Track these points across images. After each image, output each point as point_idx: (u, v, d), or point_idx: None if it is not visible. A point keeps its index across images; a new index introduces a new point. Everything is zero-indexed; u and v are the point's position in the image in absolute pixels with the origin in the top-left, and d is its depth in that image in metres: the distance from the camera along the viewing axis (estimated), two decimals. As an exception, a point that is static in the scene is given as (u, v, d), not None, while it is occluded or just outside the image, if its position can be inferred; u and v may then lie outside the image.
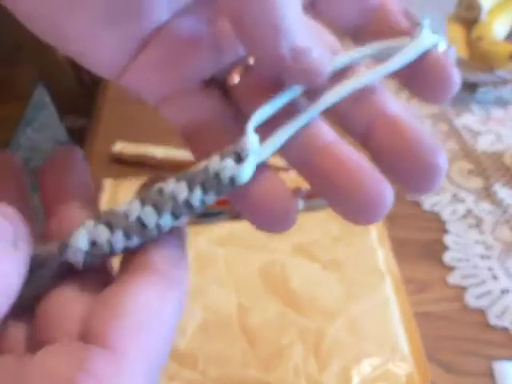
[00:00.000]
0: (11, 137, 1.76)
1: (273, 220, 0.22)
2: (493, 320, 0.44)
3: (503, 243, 0.49)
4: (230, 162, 0.18)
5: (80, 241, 0.18)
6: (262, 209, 0.21)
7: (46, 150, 1.71)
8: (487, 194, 0.53)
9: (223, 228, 0.49)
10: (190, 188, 0.18)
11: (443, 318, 0.44)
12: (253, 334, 0.42)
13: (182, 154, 0.55)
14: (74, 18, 0.18)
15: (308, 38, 0.18)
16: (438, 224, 0.51)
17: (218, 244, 0.48)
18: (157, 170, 0.55)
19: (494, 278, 0.46)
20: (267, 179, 0.20)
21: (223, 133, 0.20)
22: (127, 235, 0.18)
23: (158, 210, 0.18)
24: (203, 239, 0.48)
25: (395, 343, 0.41)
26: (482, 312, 0.44)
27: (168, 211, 0.18)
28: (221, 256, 0.47)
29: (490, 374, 0.41)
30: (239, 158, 0.18)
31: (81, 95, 0.89)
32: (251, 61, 0.21)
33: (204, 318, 0.42)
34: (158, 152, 0.55)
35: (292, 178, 0.54)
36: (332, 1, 0.21)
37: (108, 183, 0.53)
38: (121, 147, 0.56)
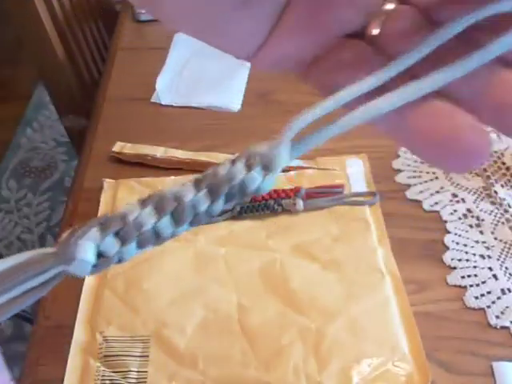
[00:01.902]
0: (11, 137, 1.77)
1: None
2: (493, 320, 0.44)
3: (503, 243, 0.49)
4: (257, 174, 0.17)
5: (88, 254, 0.16)
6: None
7: (46, 150, 1.71)
8: (487, 194, 0.53)
9: (223, 228, 0.49)
10: (212, 199, 0.17)
11: (443, 318, 0.44)
12: (253, 333, 0.42)
13: (182, 154, 0.55)
14: (209, 8, 0.18)
15: None
16: (438, 224, 0.51)
17: (218, 244, 0.48)
18: (157, 170, 0.55)
19: (494, 277, 0.46)
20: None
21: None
22: (140, 245, 0.17)
23: (176, 219, 0.17)
24: (203, 239, 0.48)
25: (395, 343, 0.41)
26: (481, 312, 0.44)
27: (187, 221, 0.17)
28: (221, 256, 0.47)
29: (490, 374, 0.41)
30: (267, 169, 0.17)
31: (81, 95, 0.89)
32: (387, 8, 0.18)
33: (204, 318, 0.43)
34: (158, 152, 0.55)
35: (292, 178, 0.54)
36: None
37: (108, 183, 0.53)
38: (121, 147, 0.56)
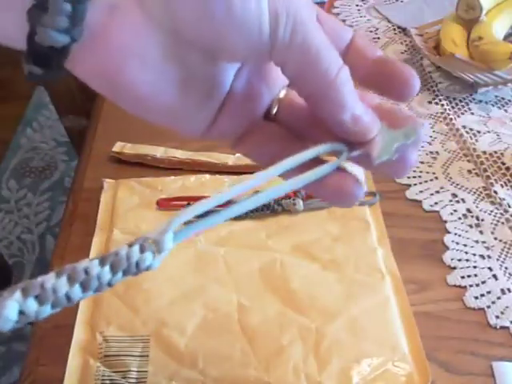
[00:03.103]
0: (11, 137, 1.77)
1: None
2: (493, 320, 0.44)
3: (503, 243, 0.49)
4: (148, 255, 0.23)
5: (11, 312, 0.19)
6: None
7: (46, 150, 1.71)
8: (487, 194, 0.53)
9: (223, 228, 0.49)
10: (113, 272, 0.21)
11: (443, 318, 0.44)
12: (253, 333, 0.42)
13: (182, 154, 0.55)
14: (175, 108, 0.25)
15: (361, 108, 0.24)
16: (438, 224, 0.51)
17: (218, 244, 0.48)
18: (157, 170, 0.55)
19: (494, 278, 0.46)
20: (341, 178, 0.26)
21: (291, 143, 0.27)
22: (53, 307, 0.20)
23: (84, 287, 0.21)
24: (203, 239, 0.48)
25: (395, 343, 0.41)
26: (481, 312, 0.44)
27: (93, 289, 0.21)
28: (221, 256, 0.47)
29: (490, 374, 0.41)
30: (156, 251, 0.24)
31: (81, 95, 0.89)
32: (281, 94, 0.27)
33: (204, 318, 0.43)
34: (158, 152, 0.55)
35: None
36: None
37: (108, 183, 0.53)
38: (121, 147, 0.56)
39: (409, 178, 0.55)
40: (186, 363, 0.40)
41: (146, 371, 0.40)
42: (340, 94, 0.23)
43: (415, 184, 0.54)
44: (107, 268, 0.21)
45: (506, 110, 0.63)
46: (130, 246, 0.22)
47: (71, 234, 0.50)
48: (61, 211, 1.45)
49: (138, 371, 0.40)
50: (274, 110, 0.27)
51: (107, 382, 0.39)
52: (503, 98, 0.64)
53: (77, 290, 0.21)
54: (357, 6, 0.82)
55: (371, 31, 0.77)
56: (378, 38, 0.75)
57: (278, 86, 0.27)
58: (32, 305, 0.20)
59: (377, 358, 0.40)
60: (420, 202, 0.53)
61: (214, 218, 0.26)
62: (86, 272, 0.21)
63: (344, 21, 0.79)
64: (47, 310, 0.20)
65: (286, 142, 0.27)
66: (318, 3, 0.81)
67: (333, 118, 0.24)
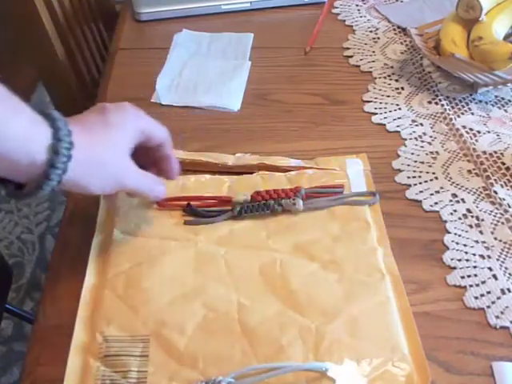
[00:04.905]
0: (11, 137, 1.76)
1: None
2: (492, 320, 0.44)
3: (503, 243, 0.49)
4: None
5: None
6: None
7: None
8: (487, 194, 0.53)
9: (223, 228, 0.49)
10: None
11: (443, 318, 0.44)
12: (253, 333, 0.42)
13: (182, 154, 0.55)
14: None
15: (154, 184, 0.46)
16: (438, 224, 0.51)
17: (218, 244, 0.48)
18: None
19: (494, 278, 0.46)
20: None
21: None
22: None
23: None
24: (203, 239, 0.48)
25: (395, 343, 0.41)
26: (481, 312, 0.44)
27: None
28: (221, 256, 0.47)
29: (490, 374, 0.41)
30: None
31: (81, 95, 0.89)
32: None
33: (204, 318, 0.43)
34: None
35: (292, 178, 0.54)
36: None
37: (108, 183, 0.53)
38: (121, 147, 0.56)
39: (409, 178, 0.55)
40: (186, 363, 0.40)
41: (146, 371, 0.40)
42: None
43: (415, 184, 0.54)
44: None
45: (506, 110, 0.63)
46: None
47: (71, 234, 0.50)
48: (61, 211, 1.45)
49: (138, 371, 0.40)
50: None
51: (107, 382, 0.39)
52: (503, 98, 0.64)
53: None
54: (357, 6, 0.82)
55: (371, 31, 0.77)
56: (378, 38, 0.75)
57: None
58: None
59: (376, 358, 0.40)
60: (420, 201, 0.53)
61: None
62: None
63: (344, 21, 0.79)
64: None
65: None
66: (317, 3, 0.81)
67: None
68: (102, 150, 0.40)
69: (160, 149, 0.46)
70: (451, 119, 0.61)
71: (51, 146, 0.36)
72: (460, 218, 0.51)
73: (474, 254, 0.48)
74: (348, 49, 0.73)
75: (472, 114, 0.62)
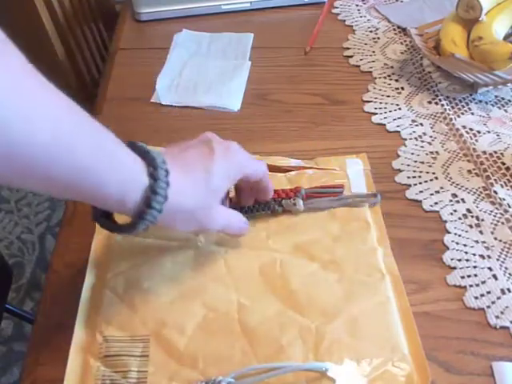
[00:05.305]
0: (11, 137, 1.76)
1: None
2: (492, 320, 0.44)
3: (503, 243, 0.49)
4: None
5: None
6: None
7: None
8: (487, 194, 0.53)
9: (223, 228, 0.49)
10: None
11: (443, 318, 0.44)
12: (253, 333, 0.42)
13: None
14: None
15: (239, 223, 0.46)
16: (438, 224, 0.51)
17: (218, 244, 0.48)
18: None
19: (494, 278, 0.46)
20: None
21: None
22: None
23: None
24: (203, 239, 0.48)
25: (395, 343, 0.41)
26: (481, 312, 0.44)
27: None
28: (221, 256, 0.47)
29: (490, 374, 0.41)
30: None
31: (81, 95, 0.89)
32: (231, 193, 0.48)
33: (204, 318, 0.43)
34: (158, 152, 0.55)
35: (292, 179, 0.54)
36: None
37: (108, 183, 0.53)
38: (121, 147, 0.56)
39: (409, 178, 0.55)
40: (186, 363, 0.40)
41: (146, 371, 0.40)
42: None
43: (415, 184, 0.54)
44: None
45: (506, 110, 0.63)
46: None
47: (71, 234, 0.50)
48: (61, 211, 1.45)
49: (138, 371, 0.40)
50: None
51: (107, 381, 0.39)
52: (503, 98, 0.64)
53: None
54: (357, 6, 0.82)
55: (371, 31, 0.77)
56: (378, 38, 0.75)
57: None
58: None
59: (376, 358, 0.40)
60: (420, 201, 0.53)
61: None
62: None
63: (344, 21, 0.79)
64: None
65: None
66: (317, 3, 0.81)
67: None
68: (194, 199, 0.38)
69: (258, 182, 0.45)
70: (451, 119, 0.61)
71: (149, 186, 0.34)
72: (460, 218, 0.51)
73: (474, 254, 0.48)
74: (348, 49, 0.73)
75: (472, 114, 0.62)
